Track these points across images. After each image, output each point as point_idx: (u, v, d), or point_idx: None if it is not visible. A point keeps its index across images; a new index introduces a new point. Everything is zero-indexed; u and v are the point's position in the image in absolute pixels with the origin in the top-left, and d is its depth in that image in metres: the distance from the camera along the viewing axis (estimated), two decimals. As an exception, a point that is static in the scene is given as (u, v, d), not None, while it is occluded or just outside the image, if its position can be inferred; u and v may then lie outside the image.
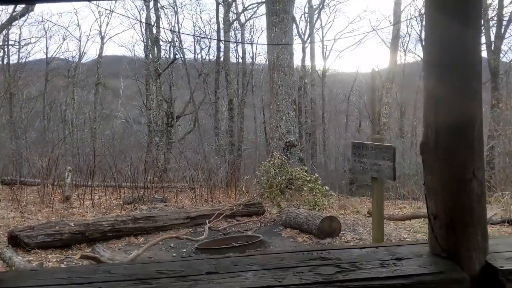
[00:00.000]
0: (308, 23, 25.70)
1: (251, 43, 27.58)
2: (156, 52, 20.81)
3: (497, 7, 18.43)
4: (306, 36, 25.42)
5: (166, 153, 19.64)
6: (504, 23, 17.70)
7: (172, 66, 24.51)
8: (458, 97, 1.19)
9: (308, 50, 25.06)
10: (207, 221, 6.59)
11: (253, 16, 29.91)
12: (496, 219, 7.70)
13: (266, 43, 12.58)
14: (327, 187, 7.05)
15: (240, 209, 7.23)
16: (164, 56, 25.17)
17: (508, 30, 19.42)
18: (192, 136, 30.22)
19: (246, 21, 29.47)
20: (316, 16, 26.37)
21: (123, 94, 33.19)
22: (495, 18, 18.13)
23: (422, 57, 27.46)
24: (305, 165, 13.10)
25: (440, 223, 1.22)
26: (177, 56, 23.45)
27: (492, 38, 17.15)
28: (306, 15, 26.28)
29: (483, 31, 17.11)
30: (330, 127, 28.50)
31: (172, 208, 8.78)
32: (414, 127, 24.24)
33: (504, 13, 17.67)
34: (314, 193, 6.82)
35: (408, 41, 25.71)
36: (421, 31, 27.83)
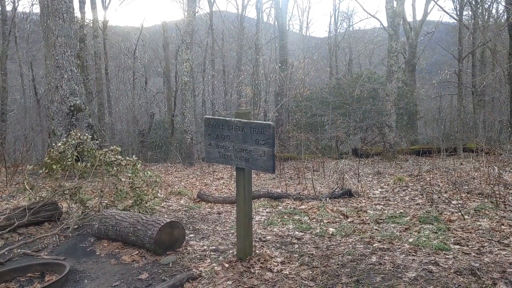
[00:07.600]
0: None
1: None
2: None
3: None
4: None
5: None
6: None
7: None
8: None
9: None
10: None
11: None
12: (338, 192, 7.18)
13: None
14: (149, 172, 5.46)
15: (26, 216, 4.79)
16: None
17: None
18: None
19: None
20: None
21: None
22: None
23: (209, 11, 27.32)
24: (95, 132, 11.15)
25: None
26: None
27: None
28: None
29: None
30: (115, 84, 25.93)
31: None
32: (204, 84, 24.09)
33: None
34: (132, 182, 5.14)
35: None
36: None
